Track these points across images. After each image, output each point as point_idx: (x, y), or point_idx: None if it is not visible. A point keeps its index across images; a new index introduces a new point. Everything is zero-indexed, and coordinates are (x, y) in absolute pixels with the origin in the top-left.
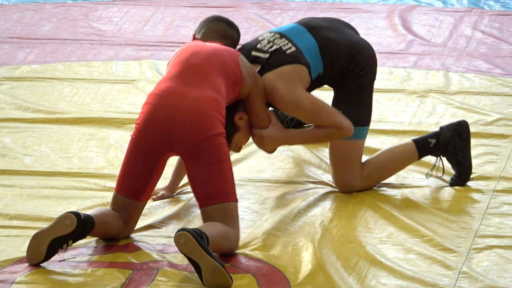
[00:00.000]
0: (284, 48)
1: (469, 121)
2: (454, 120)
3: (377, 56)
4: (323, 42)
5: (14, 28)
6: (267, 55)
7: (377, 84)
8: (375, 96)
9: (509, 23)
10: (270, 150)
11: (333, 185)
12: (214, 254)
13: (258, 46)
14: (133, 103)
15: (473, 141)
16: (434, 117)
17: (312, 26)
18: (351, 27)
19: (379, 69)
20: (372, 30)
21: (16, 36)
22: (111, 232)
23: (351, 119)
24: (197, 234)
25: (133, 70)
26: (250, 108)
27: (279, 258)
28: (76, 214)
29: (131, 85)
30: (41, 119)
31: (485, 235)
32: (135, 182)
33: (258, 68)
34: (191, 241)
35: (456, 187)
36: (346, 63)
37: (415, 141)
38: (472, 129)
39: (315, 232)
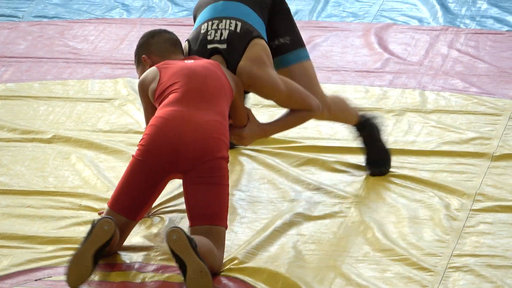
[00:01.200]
0: (233, 29)
1: (445, 140)
2: (428, 138)
3: (353, 74)
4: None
5: None
6: (224, 44)
7: (353, 103)
8: None
9: (485, 42)
10: (247, 144)
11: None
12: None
13: (209, 38)
14: (108, 121)
15: (449, 160)
16: (410, 136)
17: None
18: None
19: (355, 88)
20: (348, 49)
21: None
22: (115, 243)
23: (300, 41)
24: (188, 236)
25: (109, 89)
26: (232, 109)
27: (256, 276)
28: (110, 218)
29: (107, 104)
30: (16, 138)
31: (462, 254)
32: (134, 202)
33: (221, 58)
34: (183, 239)
35: (432, 206)
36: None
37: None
38: (448, 147)
39: (290, 251)
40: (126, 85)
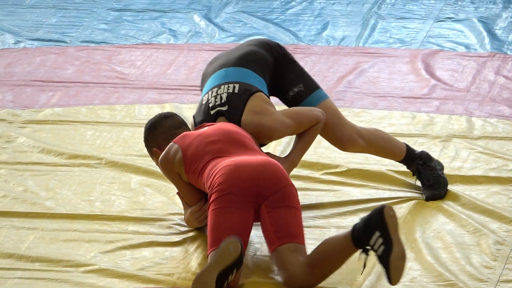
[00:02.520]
0: (231, 91)
1: (492, 166)
2: (475, 164)
3: (400, 100)
4: (243, 61)
5: (37, 71)
6: (225, 106)
7: (399, 129)
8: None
9: None
10: None
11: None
12: None
13: (210, 105)
14: None
15: (496, 187)
16: (457, 162)
17: (223, 64)
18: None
19: (402, 114)
20: (395, 75)
21: (39, 79)
22: (240, 270)
23: (312, 87)
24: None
25: (155, 114)
26: None
27: None
28: (237, 238)
29: None
30: (63, 162)
31: (509, 279)
32: (238, 234)
33: (224, 119)
34: (396, 219)
35: (479, 231)
36: (270, 56)
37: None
38: (495, 173)
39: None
40: (173, 110)
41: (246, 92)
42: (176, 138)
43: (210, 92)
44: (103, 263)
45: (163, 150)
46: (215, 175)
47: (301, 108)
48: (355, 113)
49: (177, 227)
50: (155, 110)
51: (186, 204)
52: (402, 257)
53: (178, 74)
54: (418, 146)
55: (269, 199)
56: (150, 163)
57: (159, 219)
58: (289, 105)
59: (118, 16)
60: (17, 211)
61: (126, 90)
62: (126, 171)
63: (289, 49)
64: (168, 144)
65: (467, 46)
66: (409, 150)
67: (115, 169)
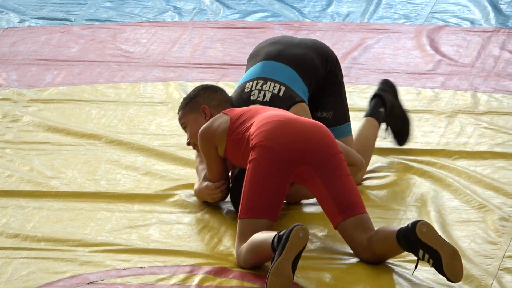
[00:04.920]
0: (276, 92)
1: (497, 142)
2: (481, 139)
3: (405, 76)
4: (296, 63)
5: (42, 50)
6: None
7: (405, 104)
8: None
9: None
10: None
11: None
12: None
13: (252, 97)
14: (160, 124)
15: (501, 161)
16: (462, 138)
17: (276, 55)
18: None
19: (407, 90)
20: (399, 51)
21: (43, 58)
22: None
23: (343, 117)
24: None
25: (160, 92)
26: None
27: None
28: (302, 225)
29: (159, 107)
30: (68, 141)
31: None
32: (274, 201)
33: None
34: (432, 229)
35: (485, 207)
36: (323, 69)
37: (370, 115)
38: (500, 149)
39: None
40: (178, 88)
41: (290, 99)
42: (227, 110)
43: (255, 82)
44: (109, 242)
45: (209, 112)
46: (259, 127)
47: (341, 143)
48: (360, 89)
49: (183, 205)
50: (160, 88)
51: (204, 177)
52: (454, 258)
53: (183, 52)
54: (423, 122)
55: (321, 168)
56: (155, 142)
57: (164, 196)
58: None
59: None
60: (22, 191)
61: (131, 68)
62: (131, 150)
63: (294, 26)
64: (216, 112)
65: (472, 21)
66: (377, 118)
67: (120, 147)
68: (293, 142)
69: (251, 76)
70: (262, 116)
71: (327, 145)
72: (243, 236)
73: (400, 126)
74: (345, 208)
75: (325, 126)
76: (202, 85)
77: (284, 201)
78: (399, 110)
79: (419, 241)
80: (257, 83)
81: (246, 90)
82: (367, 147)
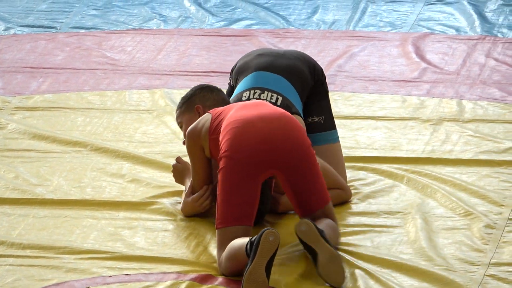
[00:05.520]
0: (273, 101)
1: (482, 149)
2: (466, 147)
3: (390, 84)
4: (288, 73)
5: (28, 57)
6: None
7: (390, 112)
8: (389, 124)
9: None
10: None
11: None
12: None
13: None
14: (146, 132)
15: (486, 169)
16: (448, 145)
17: (268, 66)
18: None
19: (393, 97)
20: (385, 58)
21: (29, 66)
22: None
23: (332, 125)
24: (317, 227)
25: (146, 99)
26: None
27: None
28: (271, 228)
29: (144, 114)
30: (54, 149)
31: (500, 262)
32: (246, 208)
33: None
34: (312, 229)
35: (470, 215)
36: (312, 80)
37: None
38: (485, 156)
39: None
40: (164, 96)
41: (287, 109)
42: (212, 109)
43: (252, 92)
44: (94, 249)
45: (202, 114)
46: (225, 135)
47: (331, 168)
48: (345, 97)
49: (169, 212)
50: (146, 96)
51: (188, 192)
52: (332, 260)
53: (169, 60)
54: (409, 129)
55: (287, 168)
56: (141, 149)
57: (150, 204)
58: None
59: (108, 2)
60: (8, 198)
61: (116, 75)
62: (117, 157)
63: (280, 34)
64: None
65: (457, 29)
66: None
67: (106, 155)
68: (255, 148)
69: (247, 86)
70: (229, 119)
71: (292, 141)
72: (222, 245)
73: None
74: (306, 206)
75: (291, 117)
76: (200, 85)
77: (277, 212)
78: None
79: (299, 238)
80: (254, 93)
81: (244, 98)
82: (340, 162)
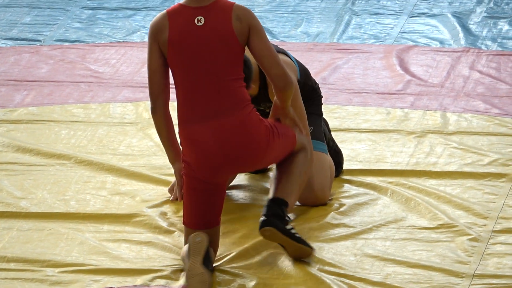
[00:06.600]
0: None
1: (467, 162)
2: (450, 159)
3: (375, 96)
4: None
5: (11, 70)
6: None
7: (374, 125)
8: (373, 136)
9: (506, 63)
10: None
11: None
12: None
13: None
14: (130, 145)
15: (471, 181)
16: (432, 157)
17: None
18: None
19: (377, 110)
20: (369, 71)
21: (13, 79)
22: (215, 249)
23: (320, 136)
24: (280, 221)
25: (130, 112)
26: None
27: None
28: (196, 231)
29: (128, 127)
30: (38, 162)
31: (484, 274)
32: (210, 212)
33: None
34: (276, 233)
35: (454, 227)
36: (313, 82)
37: None
38: (469, 169)
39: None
40: (148, 109)
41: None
42: (170, 9)
43: None
44: (78, 262)
45: None
46: (181, 143)
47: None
48: (330, 110)
49: (153, 225)
50: (130, 109)
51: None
52: (297, 249)
53: None
54: (393, 142)
55: (242, 169)
56: (125, 162)
57: (134, 216)
58: None
59: (92, 15)
60: None
61: (100, 88)
62: (101, 170)
63: None
64: None
65: (441, 41)
66: None
67: (90, 168)
68: (214, 166)
69: None
70: (181, 124)
71: (251, 154)
72: (186, 239)
73: (336, 158)
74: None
75: (245, 129)
76: None
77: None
78: (333, 143)
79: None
80: None
81: None
82: (324, 168)
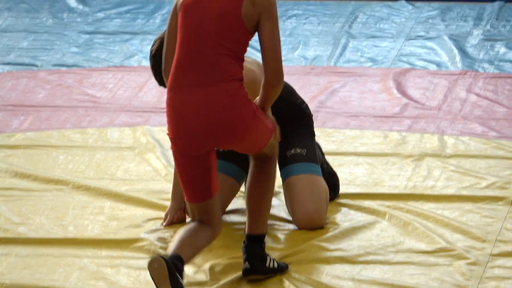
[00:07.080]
0: None
1: (464, 185)
2: (448, 183)
3: (372, 120)
4: None
5: (9, 95)
6: None
7: (372, 148)
8: (370, 160)
9: (503, 86)
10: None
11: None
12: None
13: None
14: (128, 169)
15: (468, 204)
16: (430, 181)
17: None
18: None
19: (374, 133)
20: (366, 94)
21: (10, 104)
22: (203, 246)
23: (315, 160)
24: (260, 261)
25: (128, 137)
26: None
27: None
28: (155, 256)
29: (126, 152)
30: (36, 187)
31: None
32: (200, 185)
33: None
34: (260, 277)
35: (452, 251)
36: (301, 101)
37: None
38: (467, 192)
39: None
40: (145, 133)
41: None
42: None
43: None
44: None
45: None
46: (166, 112)
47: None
48: (327, 133)
49: (151, 250)
50: (127, 133)
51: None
52: None
53: (150, 97)
54: (390, 165)
55: (233, 146)
56: (122, 187)
57: (133, 241)
58: (280, 164)
59: (89, 39)
60: None
61: (98, 113)
62: (99, 195)
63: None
64: None
65: (438, 64)
66: None
67: (88, 193)
68: (196, 139)
69: None
70: (172, 88)
71: (234, 128)
72: (191, 215)
73: (331, 181)
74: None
75: (230, 101)
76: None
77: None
78: (327, 166)
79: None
80: None
81: None
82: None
